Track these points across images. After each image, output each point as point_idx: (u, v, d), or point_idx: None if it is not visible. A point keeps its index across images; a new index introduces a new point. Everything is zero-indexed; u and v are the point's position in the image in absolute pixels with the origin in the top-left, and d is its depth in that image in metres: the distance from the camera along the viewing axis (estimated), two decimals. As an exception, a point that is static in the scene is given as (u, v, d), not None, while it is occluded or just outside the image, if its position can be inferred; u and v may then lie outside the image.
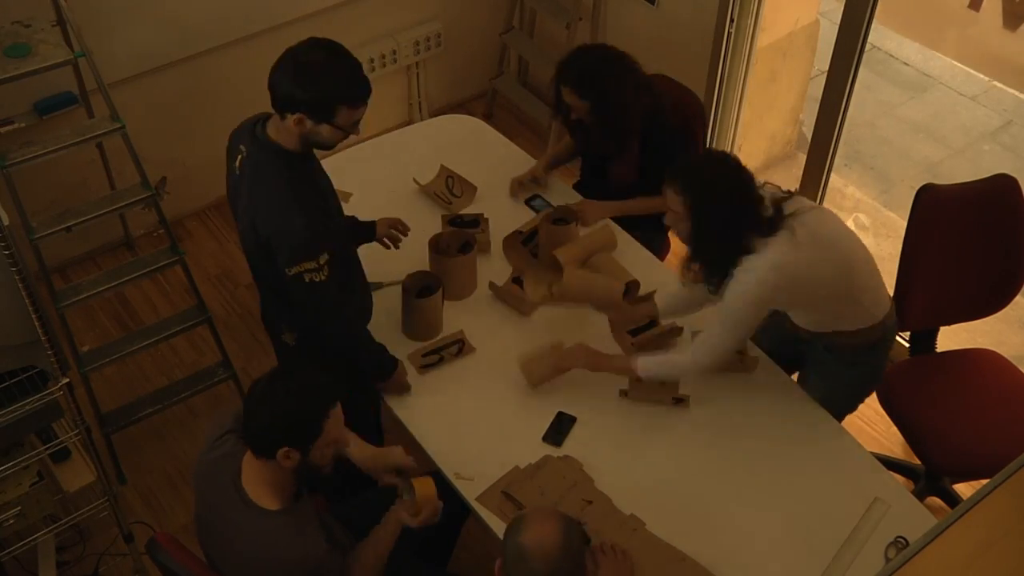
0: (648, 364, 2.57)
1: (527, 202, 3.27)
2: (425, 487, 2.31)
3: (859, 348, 2.65)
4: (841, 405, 2.80)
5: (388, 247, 2.95)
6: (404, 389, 2.73)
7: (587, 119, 2.98)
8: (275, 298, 2.64)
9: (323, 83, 2.28)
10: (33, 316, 2.37)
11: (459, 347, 2.84)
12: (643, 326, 2.88)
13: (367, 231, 2.90)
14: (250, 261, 2.61)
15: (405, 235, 2.96)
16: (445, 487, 2.53)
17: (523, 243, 3.08)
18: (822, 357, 2.70)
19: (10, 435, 2.60)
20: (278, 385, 2.10)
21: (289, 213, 2.35)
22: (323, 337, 2.59)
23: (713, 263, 2.44)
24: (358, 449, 2.43)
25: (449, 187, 3.28)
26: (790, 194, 2.48)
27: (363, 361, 2.66)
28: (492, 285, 2.98)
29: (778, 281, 2.37)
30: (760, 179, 2.47)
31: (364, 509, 2.51)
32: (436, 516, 2.33)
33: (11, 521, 2.71)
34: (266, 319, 2.81)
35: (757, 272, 2.35)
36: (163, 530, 3.25)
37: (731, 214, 2.36)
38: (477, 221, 3.16)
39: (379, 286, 2.92)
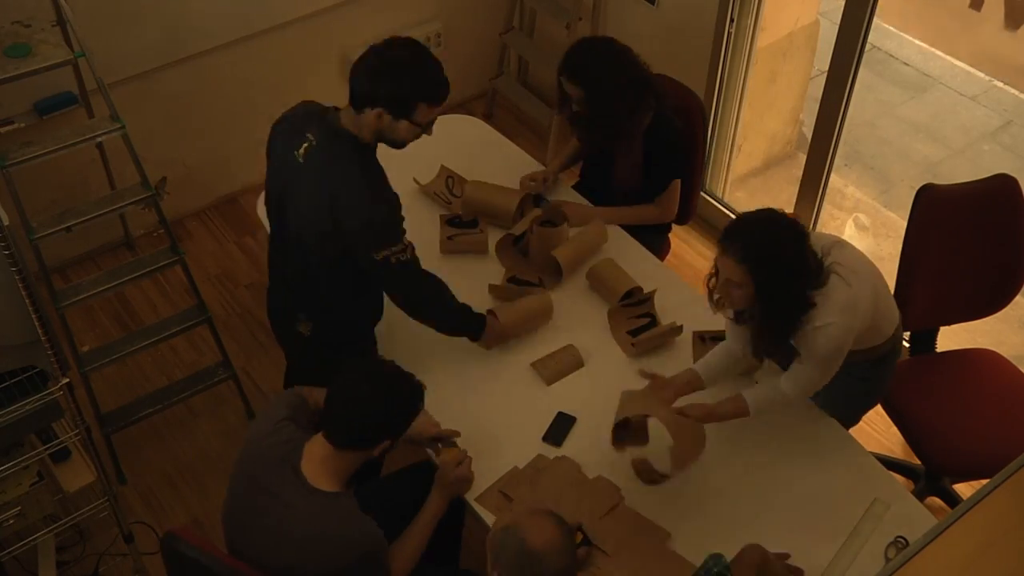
0: (758, 401, 2.49)
1: (533, 197, 3.26)
2: (451, 454, 2.49)
3: (868, 363, 2.64)
4: (847, 417, 2.78)
5: None
6: (503, 339, 2.78)
7: (582, 110, 2.97)
8: (297, 287, 2.66)
9: (405, 79, 2.35)
10: (33, 316, 2.37)
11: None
12: (643, 326, 2.88)
13: None
14: (288, 247, 2.62)
15: None
16: None
17: (513, 242, 3.08)
18: None
19: (10, 435, 2.60)
20: (374, 382, 2.20)
21: (376, 199, 2.43)
22: (422, 317, 2.67)
23: (780, 335, 2.39)
24: None
25: (449, 187, 3.28)
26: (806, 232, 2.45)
27: (456, 327, 2.73)
28: (492, 287, 2.98)
29: (853, 321, 2.38)
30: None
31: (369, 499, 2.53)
32: (469, 476, 2.48)
33: (11, 521, 2.71)
34: (278, 312, 2.81)
35: (838, 320, 2.33)
36: (163, 530, 3.25)
37: (798, 286, 2.30)
38: (476, 221, 3.15)
39: None
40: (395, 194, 2.51)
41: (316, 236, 2.51)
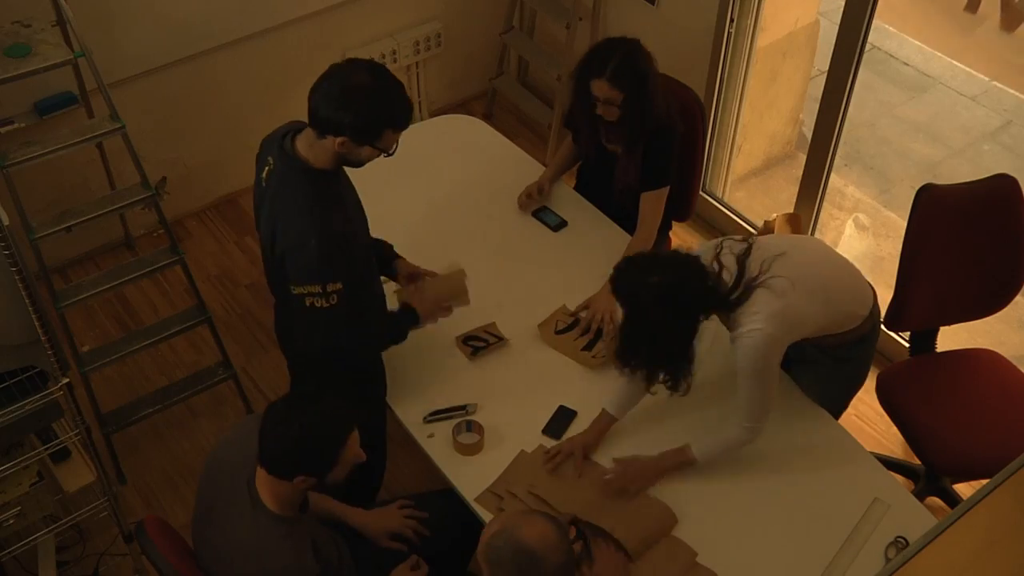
0: (706, 451, 2.51)
1: (534, 214, 3.24)
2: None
3: (848, 344, 2.66)
4: (837, 400, 2.81)
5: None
6: (437, 316, 2.66)
7: (615, 113, 2.93)
8: (288, 305, 2.63)
9: (370, 108, 2.27)
10: (33, 316, 2.37)
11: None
12: (592, 339, 2.86)
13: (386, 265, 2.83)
14: (268, 271, 2.58)
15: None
16: (456, 511, 2.56)
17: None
18: (813, 356, 2.71)
19: (10, 435, 2.60)
20: (297, 412, 2.12)
21: (306, 232, 2.32)
22: (321, 359, 2.57)
23: (666, 364, 2.38)
24: (357, 517, 2.52)
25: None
26: (748, 244, 2.43)
27: (383, 346, 2.64)
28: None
29: (778, 331, 2.36)
30: (718, 240, 2.45)
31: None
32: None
33: (11, 521, 2.71)
34: (281, 329, 2.78)
35: (762, 327, 2.33)
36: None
37: (669, 322, 2.29)
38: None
39: None
40: (340, 233, 2.36)
41: (270, 259, 2.47)
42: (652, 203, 3.07)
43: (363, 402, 2.63)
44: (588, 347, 2.85)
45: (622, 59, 2.87)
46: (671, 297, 2.28)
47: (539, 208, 3.26)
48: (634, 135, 2.99)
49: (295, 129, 2.41)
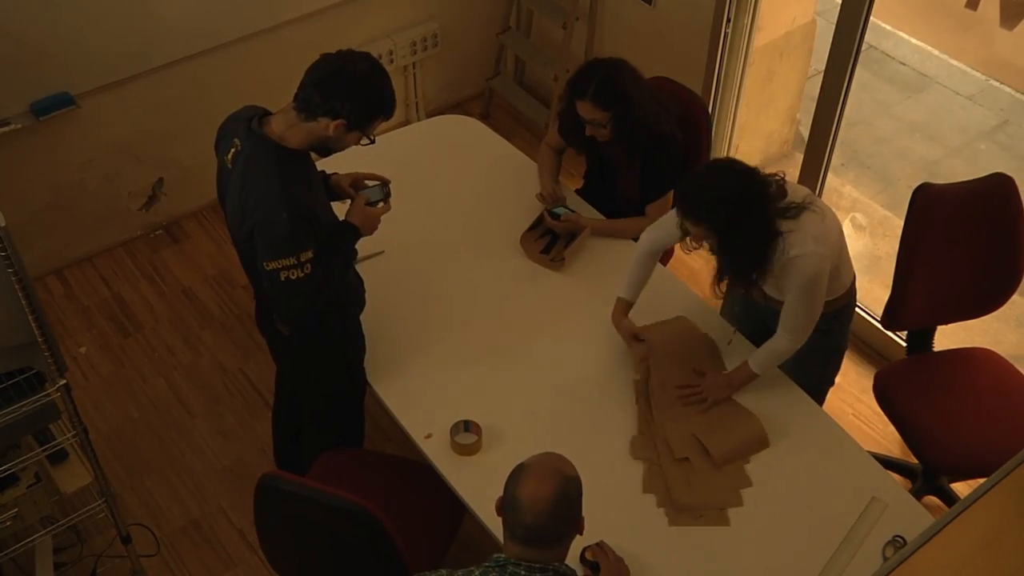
0: (761, 361, 2.70)
1: (546, 210, 3.21)
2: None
3: (828, 315, 2.72)
4: (815, 378, 2.87)
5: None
6: (374, 221, 2.63)
7: (605, 132, 2.95)
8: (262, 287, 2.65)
9: (372, 95, 2.39)
10: (30, 317, 2.37)
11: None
12: (549, 243, 3.11)
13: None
14: (241, 255, 2.61)
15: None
16: None
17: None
18: None
19: (7, 437, 2.59)
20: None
21: (277, 207, 2.36)
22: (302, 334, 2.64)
23: (752, 268, 2.55)
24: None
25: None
26: (782, 177, 2.57)
27: (344, 275, 2.65)
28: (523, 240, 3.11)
29: (826, 249, 2.52)
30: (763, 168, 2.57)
31: None
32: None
33: (8, 523, 2.71)
34: (261, 312, 2.81)
35: (812, 249, 2.48)
36: (161, 531, 3.25)
37: (755, 224, 2.47)
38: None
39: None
40: (308, 207, 2.41)
41: (242, 241, 2.50)
42: (658, 209, 3.09)
43: (347, 368, 2.79)
44: (545, 250, 3.09)
45: (602, 80, 2.90)
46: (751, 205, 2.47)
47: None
48: (631, 148, 3.03)
49: (259, 113, 2.47)
